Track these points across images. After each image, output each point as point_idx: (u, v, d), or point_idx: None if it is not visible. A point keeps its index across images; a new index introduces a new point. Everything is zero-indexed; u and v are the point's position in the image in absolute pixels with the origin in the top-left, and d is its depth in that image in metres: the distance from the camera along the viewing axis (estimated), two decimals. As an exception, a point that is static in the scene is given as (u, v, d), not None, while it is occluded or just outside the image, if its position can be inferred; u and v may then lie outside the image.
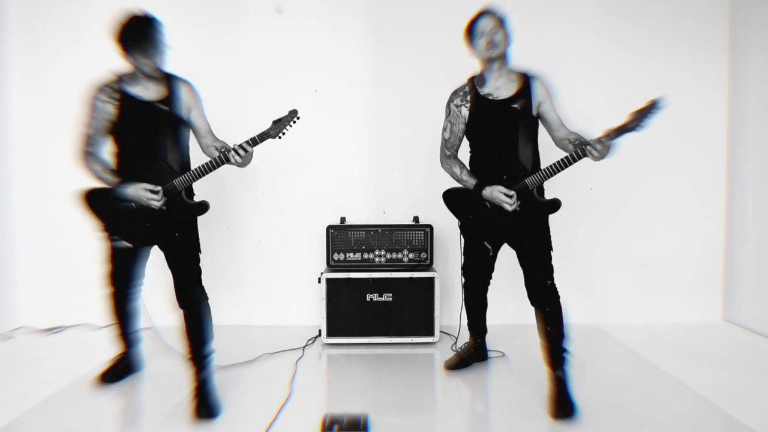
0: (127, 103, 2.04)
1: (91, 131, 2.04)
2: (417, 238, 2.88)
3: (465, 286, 2.45)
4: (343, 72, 3.19)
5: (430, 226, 2.89)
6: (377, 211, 3.23)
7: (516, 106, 2.10)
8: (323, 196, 3.24)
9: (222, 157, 2.00)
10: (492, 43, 2.07)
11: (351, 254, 2.87)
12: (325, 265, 2.91)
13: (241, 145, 2.00)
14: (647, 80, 3.16)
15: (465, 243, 2.39)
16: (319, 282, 2.79)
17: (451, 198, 2.31)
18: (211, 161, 2.02)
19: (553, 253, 2.15)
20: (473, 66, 2.26)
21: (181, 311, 2.11)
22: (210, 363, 2.16)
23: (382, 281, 2.80)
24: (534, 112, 2.13)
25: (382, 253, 2.88)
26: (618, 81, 3.18)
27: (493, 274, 2.43)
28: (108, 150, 2.11)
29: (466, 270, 2.41)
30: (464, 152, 2.32)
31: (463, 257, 2.40)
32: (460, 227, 2.33)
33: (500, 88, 2.15)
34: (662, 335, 3.01)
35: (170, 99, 2.08)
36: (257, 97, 3.20)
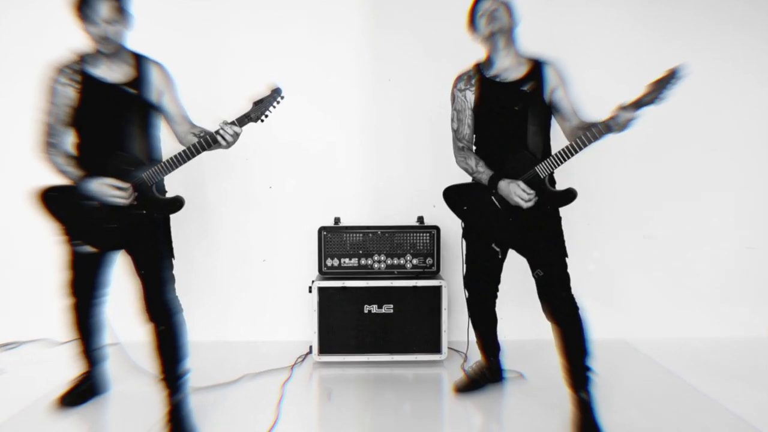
0: (90, 86, 2.01)
1: (52, 119, 2.02)
2: (422, 241, 2.87)
3: (469, 300, 2.43)
4: (338, 55, 3.20)
5: (436, 228, 2.88)
6: (376, 210, 3.24)
7: (525, 88, 2.12)
8: (314, 192, 3.24)
9: (203, 142, 1.97)
10: (492, 17, 2.10)
11: (346, 260, 2.86)
12: (317, 273, 2.91)
13: (225, 126, 1.96)
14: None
15: (467, 249, 2.37)
16: (310, 291, 2.79)
17: (452, 195, 2.31)
18: (189, 147, 1.98)
19: (568, 260, 2.14)
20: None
21: (151, 325, 2.09)
22: (185, 384, 2.15)
23: (381, 290, 2.79)
24: (546, 98, 2.14)
25: (382, 258, 2.87)
26: (642, 68, 3.13)
27: (500, 285, 2.42)
28: (71, 141, 2.08)
29: (468, 281, 2.40)
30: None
31: (464, 266, 2.40)
32: (464, 230, 2.34)
33: (508, 70, 2.17)
34: (699, 351, 3.02)
35: (139, 81, 2.06)
36: (240, 82, 3.14)
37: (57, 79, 2.01)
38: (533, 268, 2.19)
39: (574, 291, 2.13)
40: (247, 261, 3.26)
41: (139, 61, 2.09)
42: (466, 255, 2.38)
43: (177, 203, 2.05)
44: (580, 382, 2.11)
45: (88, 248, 2.05)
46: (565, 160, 2.02)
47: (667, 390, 2.53)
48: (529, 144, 2.09)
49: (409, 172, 3.24)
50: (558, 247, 2.15)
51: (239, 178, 3.24)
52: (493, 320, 2.47)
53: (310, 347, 2.85)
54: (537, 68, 2.14)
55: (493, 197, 2.16)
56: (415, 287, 2.79)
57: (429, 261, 2.87)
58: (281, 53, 3.19)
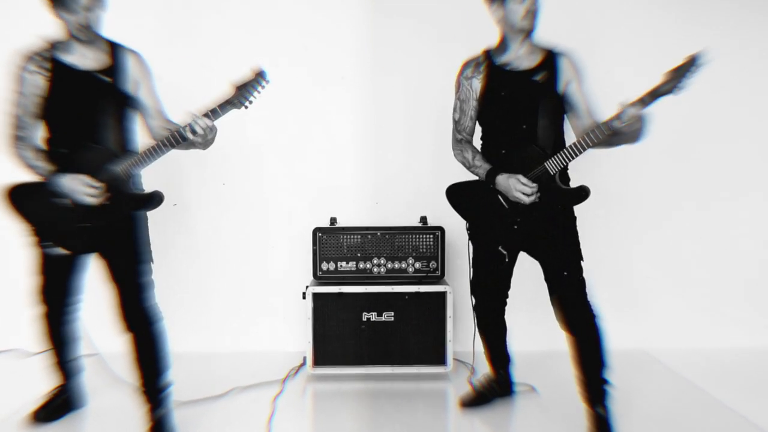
0: (60, 74, 2.00)
1: (20, 111, 2.02)
2: (425, 244, 2.87)
3: (476, 307, 2.44)
4: (334, 41, 3.19)
5: (440, 229, 2.87)
6: (375, 209, 3.23)
7: (538, 78, 2.11)
8: (309, 190, 3.24)
9: (176, 135, 1.93)
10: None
11: (343, 263, 2.86)
12: (312, 277, 2.89)
13: (196, 118, 1.92)
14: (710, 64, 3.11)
15: (474, 252, 2.37)
16: (304, 298, 2.78)
17: (456, 194, 2.30)
18: (162, 140, 1.96)
19: (584, 264, 2.14)
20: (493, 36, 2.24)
21: (129, 335, 2.08)
22: (167, 398, 2.14)
23: (381, 297, 2.78)
24: (559, 90, 2.13)
25: (382, 261, 2.87)
26: (666, 60, 3.14)
27: (510, 291, 2.41)
28: (40, 134, 2.07)
29: (475, 286, 2.41)
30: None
31: (471, 270, 2.39)
32: (469, 231, 2.34)
33: (520, 58, 2.16)
34: (725, 362, 3.00)
35: (114, 70, 2.05)
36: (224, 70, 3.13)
37: (25, 66, 2.00)
38: (546, 273, 2.19)
39: (591, 297, 2.12)
40: (234, 264, 3.25)
41: (115, 49, 2.08)
42: (473, 258, 2.38)
43: (156, 199, 2.03)
44: (597, 396, 2.11)
45: (60, 250, 2.03)
46: (575, 157, 2.00)
47: (690, 404, 2.52)
48: (539, 138, 2.07)
49: (412, 168, 3.24)
50: (572, 250, 2.14)
51: (224, 175, 3.23)
52: (501, 329, 2.47)
53: (304, 358, 2.83)
54: (551, 58, 2.13)
55: (500, 196, 2.15)
56: (417, 293, 2.79)
57: (433, 265, 2.86)
58: (272, 37, 3.18)
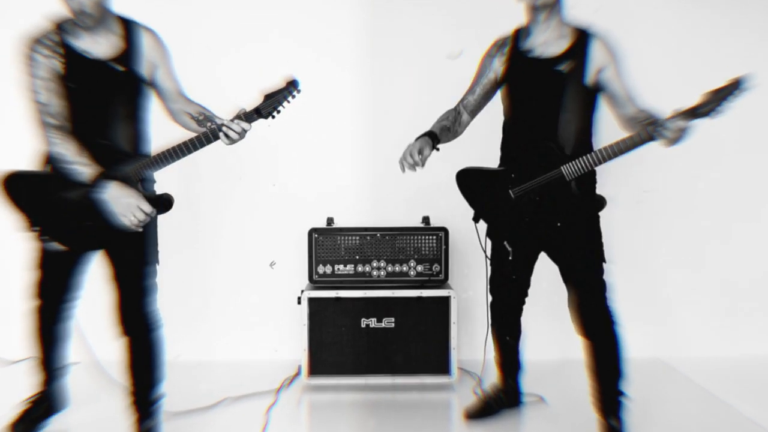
0: (73, 61, 1.95)
1: (44, 96, 1.94)
2: (427, 245, 2.86)
3: (492, 306, 2.44)
4: (331, 37, 3.20)
5: (444, 230, 2.87)
6: (375, 209, 3.21)
7: (561, 68, 2.04)
8: (303, 189, 3.23)
9: (203, 138, 1.94)
10: None
11: (341, 266, 2.85)
12: (307, 281, 2.89)
13: (231, 121, 1.93)
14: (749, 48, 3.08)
15: (492, 249, 2.37)
16: (299, 303, 2.77)
17: (467, 180, 2.26)
18: (187, 143, 1.94)
19: (606, 266, 2.13)
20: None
21: (125, 339, 2.07)
22: (158, 411, 2.13)
23: (381, 302, 2.78)
24: (587, 80, 2.06)
25: (382, 264, 2.86)
26: (704, 46, 3.13)
27: (529, 292, 2.41)
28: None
29: (492, 285, 2.41)
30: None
31: (490, 267, 2.40)
32: (474, 221, 2.31)
33: (546, 43, 2.10)
34: (748, 372, 3.00)
35: (129, 55, 2.01)
36: (228, 58, 3.17)
37: (36, 50, 1.94)
38: (562, 274, 2.18)
39: (611, 302, 2.11)
40: (224, 268, 3.25)
41: (129, 29, 2.03)
42: (491, 256, 2.37)
43: (163, 202, 1.99)
44: (611, 408, 2.11)
45: (57, 246, 2.00)
46: (595, 165, 1.98)
47: (709, 415, 2.51)
48: (559, 135, 2.04)
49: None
50: (592, 251, 2.12)
51: (215, 175, 3.22)
52: (515, 333, 2.45)
53: (299, 367, 2.82)
54: (581, 43, 2.05)
55: (510, 191, 2.13)
56: (419, 298, 2.78)
57: (436, 268, 2.86)
58: (266, 32, 3.18)
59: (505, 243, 2.22)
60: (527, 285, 2.37)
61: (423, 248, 2.86)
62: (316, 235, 2.85)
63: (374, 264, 2.86)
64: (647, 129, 1.89)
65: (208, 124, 1.97)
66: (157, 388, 2.12)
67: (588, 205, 2.05)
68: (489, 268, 2.38)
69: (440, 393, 2.75)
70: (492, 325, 2.45)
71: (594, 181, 2.16)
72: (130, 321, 2.06)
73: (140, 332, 2.07)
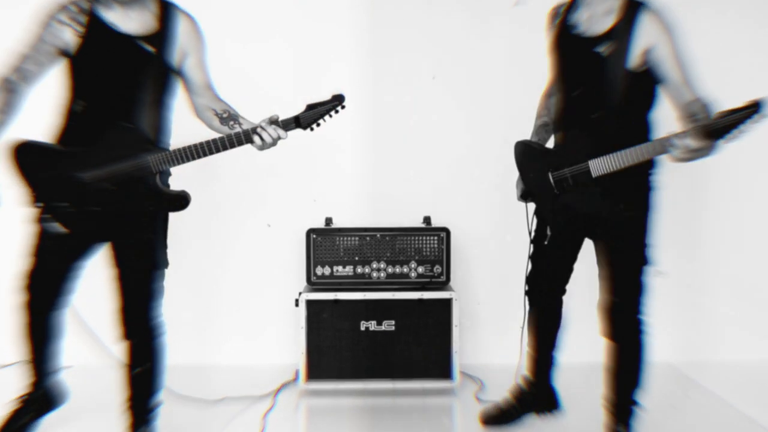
0: (96, 32, 1.90)
1: (30, 51, 1.89)
2: (428, 246, 2.85)
3: (527, 293, 2.36)
4: (330, 30, 3.20)
5: (446, 230, 2.86)
6: (374, 209, 3.20)
7: (601, 50, 1.91)
8: (301, 188, 3.23)
9: (234, 139, 1.92)
10: None
11: (340, 268, 2.84)
12: (305, 283, 2.88)
13: (267, 125, 1.92)
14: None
15: (535, 229, 2.31)
16: (297, 305, 2.76)
17: (519, 153, 2.22)
18: (221, 139, 1.92)
19: (650, 268, 2.04)
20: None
21: (126, 344, 2.04)
22: (155, 419, 2.12)
23: (381, 304, 2.77)
24: (630, 63, 1.89)
25: (382, 266, 2.85)
26: None
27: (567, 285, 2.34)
28: (63, 102, 1.95)
29: (530, 273, 2.34)
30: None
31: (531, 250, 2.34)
32: (522, 200, 2.31)
33: (591, 19, 1.97)
34: (757, 377, 2.97)
35: (161, 37, 1.95)
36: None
37: (55, 16, 1.89)
38: (600, 270, 2.13)
39: (645, 307, 2.06)
40: (217, 270, 3.24)
41: (166, 10, 1.98)
42: (534, 237, 2.31)
43: (182, 200, 1.96)
44: (623, 415, 2.10)
45: (58, 227, 1.92)
46: (624, 164, 1.89)
47: (720, 422, 2.49)
48: (596, 125, 1.95)
49: (415, 163, 3.22)
50: (632, 248, 2.02)
51: (208, 172, 3.11)
52: (552, 324, 2.34)
53: (297, 372, 2.80)
54: (628, 18, 1.87)
55: (550, 175, 2.06)
56: (420, 300, 2.77)
57: (437, 269, 2.85)
58: (261, 23, 3.17)
59: (548, 229, 2.18)
60: (567, 273, 2.27)
61: (424, 249, 2.84)
62: (315, 236, 2.83)
63: (374, 265, 2.85)
64: (662, 142, 1.82)
65: (231, 123, 1.96)
66: (156, 396, 2.10)
67: (605, 207, 1.98)
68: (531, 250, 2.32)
69: (442, 398, 2.73)
70: (528, 315, 2.35)
71: (645, 174, 2.01)
72: (133, 325, 2.03)
73: (143, 337, 2.05)
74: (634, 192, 2.00)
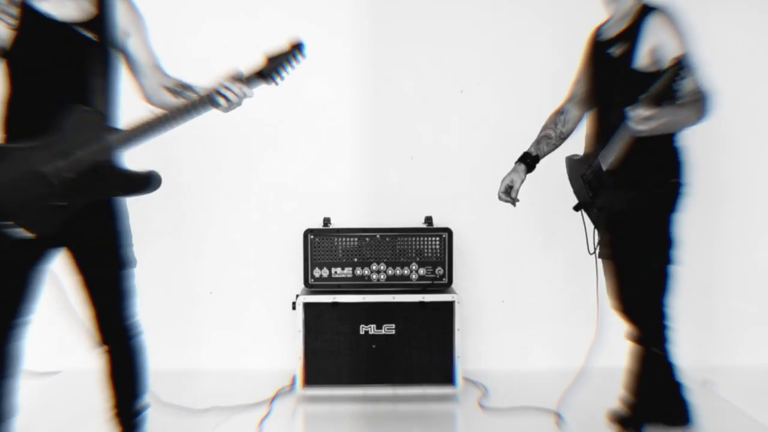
0: (31, 24, 1.86)
1: None
2: (430, 247, 2.84)
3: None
4: (329, 23, 3.19)
5: (448, 230, 2.85)
6: (374, 209, 3.20)
7: (612, 51, 2.06)
8: (298, 187, 3.22)
9: (204, 100, 1.86)
10: None
11: (338, 269, 2.84)
12: (302, 285, 2.87)
13: (229, 83, 1.86)
14: None
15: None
16: (294, 308, 2.75)
17: (566, 168, 2.36)
18: (184, 105, 1.86)
19: (672, 269, 2.08)
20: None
21: (103, 348, 2.01)
22: (142, 422, 2.09)
23: (381, 307, 2.77)
24: (637, 63, 2.00)
25: (382, 267, 2.84)
26: None
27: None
28: (6, 99, 1.91)
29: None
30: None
31: None
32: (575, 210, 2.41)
33: (614, 22, 2.12)
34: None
35: (101, 21, 1.92)
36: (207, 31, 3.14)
37: None
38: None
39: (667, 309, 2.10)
40: (213, 270, 3.23)
41: None
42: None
43: (154, 180, 1.90)
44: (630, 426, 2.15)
45: (23, 233, 1.83)
46: (617, 150, 1.98)
47: (732, 429, 2.49)
48: (612, 124, 2.01)
49: (416, 162, 3.22)
50: (647, 246, 2.07)
51: (204, 166, 3.21)
52: (638, 336, 2.29)
53: (294, 377, 2.80)
54: (638, 20, 2.01)
55: (582, 179, 2.19)
56: (422, 303, 2.76)
57: (439, 271, 2.84)
58: (261, 20, 3.17)
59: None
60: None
61: (425, 250, 2.84)
62: (312, 236, 2.82)
63: (374, 267, 2.84)
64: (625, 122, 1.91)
65: (188, 94, 1.91)
66: (141, 399, 2.07)
67: (620, 199, 2.04)
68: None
69: (443, 404, 2.72)
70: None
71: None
72: (107, 330, 1.99)
73: (119, 341, 2.01)
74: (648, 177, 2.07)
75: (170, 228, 3.22)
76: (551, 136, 2.36)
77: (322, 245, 2.82)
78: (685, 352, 3.03)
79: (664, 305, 2.08)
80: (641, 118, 1.82)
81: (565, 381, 2.85)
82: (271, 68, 1.91)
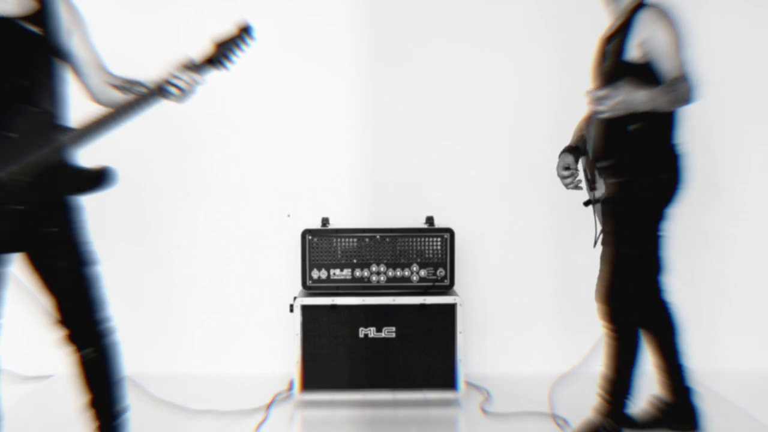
0: None
1: None
2: (431, 248, 2.84)
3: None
4: (328, 22, 3.19)
5: (449, 231, 2.85)
6: (374, 209, 3.21)
7: (609, 48, 2.19)
8: (297, 187, 3.22)
9: (154, 92, 1.86)
10: None
11: (337, 271, 2.83)
12: (300, 287, 2.87)
13: (179, 72, 1.86)
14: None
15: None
16: (291, 311, 2.75)
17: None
18: (136, 98, 1.86)
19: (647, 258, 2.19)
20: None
21: (73, 350, 1.98)
22: (123, 425, 2.06)
23: (381, 309, 2.76)
24: (628, 55, 2.10)
25: (382, 269, 2.84)
26: None
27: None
28: None
29: None
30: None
31: None
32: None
33: (612, 24, 2.24)
34: None
35: (44, 15, 1.91)
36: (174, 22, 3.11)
37: None
38: None
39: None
40: (208, 271, 3.23)
41: None
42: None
43: (109, 176, 1.89)
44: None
45: None
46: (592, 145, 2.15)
47: None
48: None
49: (417, 160, 3.22)
50: (623, 234, 2.19)
51: (198, 164, 3.20)
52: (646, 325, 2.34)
53: (291, 382, 2.79)
54: (631, 15, 2.13)
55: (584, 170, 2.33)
56: (423, 305, 2.76)
57: (440, 272, 2.84)
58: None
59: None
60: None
61: (427, 251, 2.83)
62: (310, 237, 2.82)
63: (373, 268, 2.83)
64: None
65: (137, 89, 1.90)
66: (119, 400, 2.04)
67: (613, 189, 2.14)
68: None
69: (445, 409, 2.72)
70: None
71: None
72: (77, 331, 1.96)
73: (90, 341, 1.98)
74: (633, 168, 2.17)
75: (166, 228, 3.21)
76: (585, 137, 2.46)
77: (321, 246, 2.82)
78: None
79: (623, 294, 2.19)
80: (595, 98, 1.94)
81: (569, 385, 2.87)
82: (220, 53, 1.92)
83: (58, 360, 2.49)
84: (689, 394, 2.32)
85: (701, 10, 2.84)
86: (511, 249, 3.14)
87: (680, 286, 3.06)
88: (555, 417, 2.57)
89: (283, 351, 3.07)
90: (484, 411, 2.65)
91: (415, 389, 2.74)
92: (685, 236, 3.09)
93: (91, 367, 1.99)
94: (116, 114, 1.86)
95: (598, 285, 2.31)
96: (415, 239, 2.83)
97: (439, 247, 2.83)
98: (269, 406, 2.72)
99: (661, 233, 2.20)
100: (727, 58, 3.04)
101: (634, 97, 1.94)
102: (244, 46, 1.93)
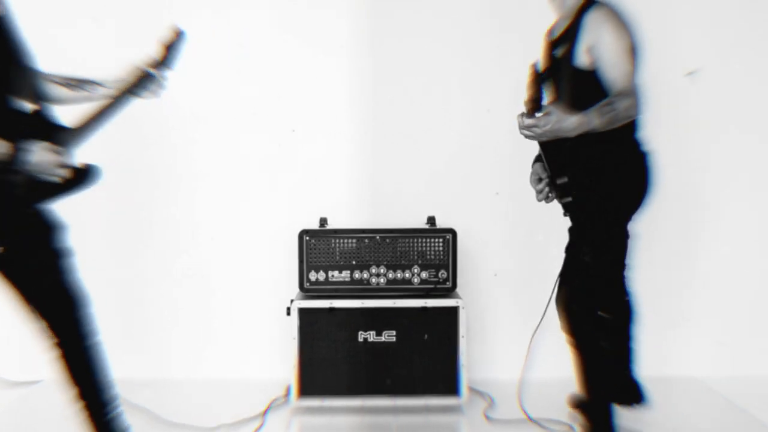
0: None
1: None
2: (433, 249, 2.84)
3: None
4: (326, 18, 3.19)
5: (451, 231, 2.85)
6: (374, 209, 3.20)
7: (556, 52, 2.12)
8: (293, 186, 3.22)
9: (128, 95, 1.92)
10: None
11: (335, 273, 2.83)
12: (297, 290, 2.87)
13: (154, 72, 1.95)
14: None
15: None
16: (288, 314, 2.74)
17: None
18: (116, 98, 1.91)
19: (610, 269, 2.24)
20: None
21: (57, 352, 1.97)
22: (118, 414, 2.06)
23: (381, 313, 2.77)
24: (578, 61, 2.04)
25: (382, 270, 2.84)
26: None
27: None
28: None
29: None
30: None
31: None
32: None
33: (558, 24, 2.18)
34: None
35: None
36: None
37: None
38: None
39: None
40: (201, 273, 3.22)
41: None
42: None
43: (93, 174, 1.89)
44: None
45: None
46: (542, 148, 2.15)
47: None
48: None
49: (418, 159, 3.21)
50: (592, 242, 2.18)
51: (197, 162, 3.20)
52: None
53: (288, 387, 2.78)
54: (578, 18, 2.05)
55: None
56: (424, 308, 2.76)
57: (442, 274, 2.83)
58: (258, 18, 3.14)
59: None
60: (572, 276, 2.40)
61: (428, 252, 2.83)
62: (308, 238, 2.82)
63: (373, 270, 2.83)
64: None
65: (88, 86, 1.96)
66: (109, 390, 2.04)
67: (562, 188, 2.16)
68: None
69: (447, 416, 2.72)
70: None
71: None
72: (57, 330, 1.96)
73: (74, 339, 1.98)
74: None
75: (162, 230, 3.20)
76: None
77: (319, 247, 2.82)
78: (675, 361, 3.14)
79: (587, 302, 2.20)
80: (523, 126, 1.91)
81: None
82: (173, 58, 2.03)
83: (47, 365, 2.49)
84: (632, 372, 2.44)
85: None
86: (516, 250, 3.14)
87: (657, 288, 3.11)
88: (561, 424, 2.56)
89: (279, 356, 3.02)
90: (488, 418, 2.64)
91: (416, 395, 2.74)
92: (660, 239, 3.12)
93: (77, 364, 1.98)
94: (96, 117, 1.89)
95: (559, 292, 2.34)
96: (416, 240, 2.83)
97: (441, 248, 2.83)
98: (266, 412, 2.71)
99: (628, 238, 2.21)
100: (702, 53, 3.04)
101: (565, 125, 1.88)
102: (182, 49, 2.02)
